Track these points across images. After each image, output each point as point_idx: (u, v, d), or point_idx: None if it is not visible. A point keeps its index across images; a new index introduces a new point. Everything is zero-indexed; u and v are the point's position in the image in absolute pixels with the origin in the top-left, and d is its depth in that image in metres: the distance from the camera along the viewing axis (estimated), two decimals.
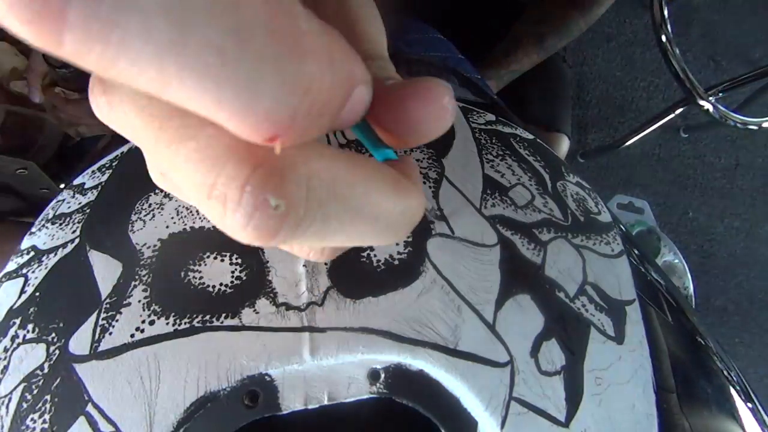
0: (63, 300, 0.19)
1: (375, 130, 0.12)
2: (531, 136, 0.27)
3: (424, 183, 0.21)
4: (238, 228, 0.08)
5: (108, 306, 0.18)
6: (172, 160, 0.09)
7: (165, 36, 0.06)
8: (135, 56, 0.06)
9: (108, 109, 0.10)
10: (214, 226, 0.20)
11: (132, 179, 0.23)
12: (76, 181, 0.25)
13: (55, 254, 0.21)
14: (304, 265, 0.18)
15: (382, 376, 0.17)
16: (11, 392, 0.17)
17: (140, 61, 0.07)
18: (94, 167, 0.25)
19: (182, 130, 0.08)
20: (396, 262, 0.18)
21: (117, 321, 0.18)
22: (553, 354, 0.18)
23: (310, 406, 0.16)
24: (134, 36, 0.06)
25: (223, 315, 0.17)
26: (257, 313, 0.17)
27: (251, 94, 0.07)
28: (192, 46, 0.07)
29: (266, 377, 0.16)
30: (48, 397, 0.17)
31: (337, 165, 0.09)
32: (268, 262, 0.19)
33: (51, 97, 0.52)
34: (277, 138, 0.08)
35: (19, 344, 0.18)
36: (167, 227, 0.20)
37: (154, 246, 0.20)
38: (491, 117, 0.27)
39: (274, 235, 0.08)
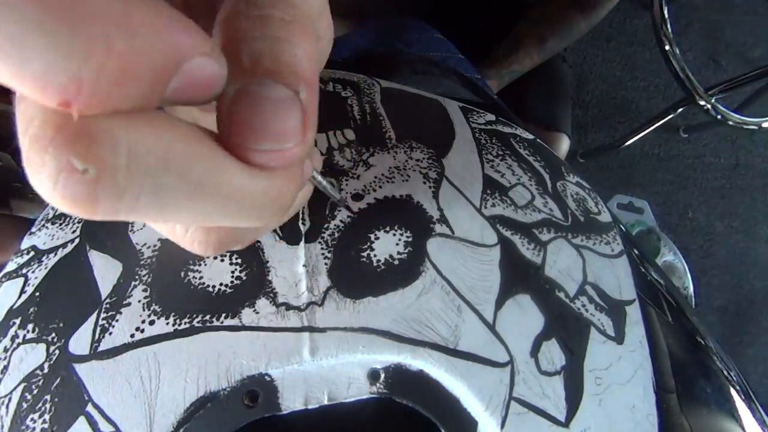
0: (63, 300, 0.19)
1: None
2: (531, 136, 0.27)
3: (424, 183, 0.21)
4: (48, 192, 0.08)
5: (108, 306, 0.18)
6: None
7: None
8: None
9: None
10: None
11: None
12: None
13: (55, 254, 0.21)
14: (304, 265, 0.18)
15: (382, 376, 0.17)
16: (11, 392, 0.17)
17: None
18: None
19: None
20: (396, 262, 0.18)
21: (117, 321, 0.18)
22: (553, 354, 0.18)
23: (310, 406, 0.16)
24: None
25: (223, 315, 0.17)
26: (257, 313, 0.17)
27: (20, 58, 0.07)
28: None
29: (266, 377, 0.16)
30: (48, 397, 0.17)
31: (175, 136, 0.09)
32: (268, 262, 0.19)
33: None
34: (70, 103, 0.08)
35: (19, 344, 0.18)
36: None
37: (154, 246, 0.20)
38: (491, 117, 0.27)
39: (93, 203, 0.08)
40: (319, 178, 0.16)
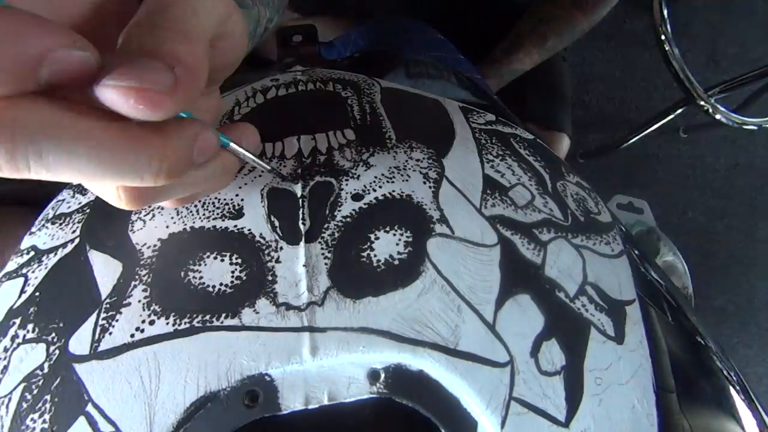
0: (63, 300, 0.19)
1: None
2: (531, 136, 0.27)
3: (424, 183, 0.21)
4: None
5: (108, 306, 0.18)
6: None
7: None
8: None
9: None
10: (213, 226, 0.20)
11: None
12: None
13: (55, 254, 0.21)
14: (304, 265, 0.18)
15: (382, 376, 0.17)
16: (11, 392, 0.17)
17: None
18: None
19: None
20: (396, 262, 0.18)
21: (117, 321, 0.18)
22: (553, 354, 0.18)
23: (310, 406, 0.16)
24: None
25: (223, 315, 0.17)
26: (257, 313, 0.17)
27: None
28: None
29: (266, 377, 0.16)
30: (48, 397, 0.17)
31: (50, 113, 0.11)
32: (268, 262, 0.19)
33: None
34: None
35: (19, 344, 0.18)
36: (167, 227, 0.20)
37: (154, 246, 0.20)
38: (491, 117, 0.27)
39: None
40: (240, 150, 0.18)
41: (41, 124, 0.11)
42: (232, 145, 0.18)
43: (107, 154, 0.12)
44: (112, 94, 0.12)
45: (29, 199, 0.55)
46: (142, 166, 0.13)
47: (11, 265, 0.22)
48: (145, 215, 0.21)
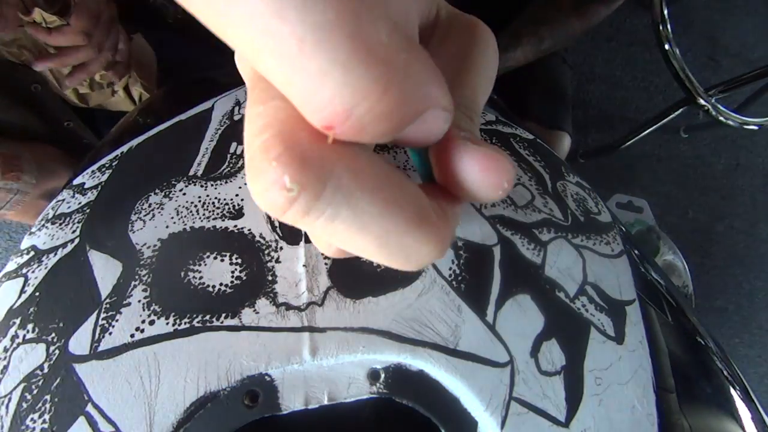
0: (63, 300, 0.19)
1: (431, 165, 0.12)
2: (531, 136, 0.27)
3: None
4: (257, 190, 0.09)
5: (108, 306, 0.18)
6: (249, 109, 0.10)
7: (260, 21, 0.08)
8: (238, 29, 0.08)
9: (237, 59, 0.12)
10: (213, 226, 0.20)
11: (132, 179, 0.23)
12: (76, 181, 0.25)
13: (55, 254, 0.21)
14: (304, 265, 0.18)
15: (382, 376, 0.17)
16: (11, 392, 0.17)
17: (238, 34, 0.08)
18: (94, 167, 0.25)
19: (262, 93, 0.10)
20: None
21: (117, 321, 0.18)
22: (553, 354, 0.18)
23: (310, 406, 0.16)
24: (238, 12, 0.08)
25: (223, 315, 0.17)
26: (257, 313, 0.17)
27: (316, 84, 0.08)
28: (277, 33, 0.08)
29: (266, 377, 0.16)
30: (48, 397, 0.17)
31: (365, 177, 0.09)
32: (268, 262, 0.19)
33: (31, 30, 0.43)
34: (332, 128, 0.09)
35: (19, 344, 0.18)
36: (167, 227, 0.20)
37: (154, 246, 0.20)
38: (491, 117, 0.27)
39: (282, 212, 0.09)
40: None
41: (354, 192, 0.09)
42: None
43: (395, 236, 0.10)
44: (487, 161, 0.11)
45: (62, 140, 0.56)
46: (416, 252, 0.11)
47: (11, 265, 0.22)
48: (145, 215, 0.21)
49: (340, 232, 0.10)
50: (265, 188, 0.09)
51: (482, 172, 0.11)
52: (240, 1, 0.08)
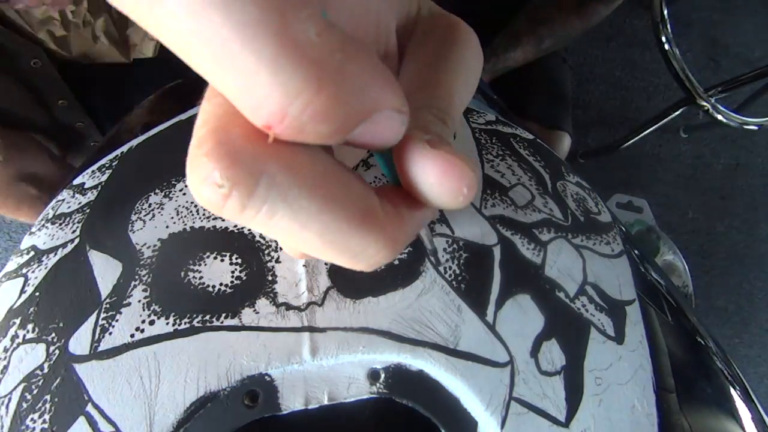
0: (63, 300, 0.19)
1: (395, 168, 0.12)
2: (531, 136, 0.27)
3: None
4: (193, 185, 0.09)
5: (108, 306, 0.18)
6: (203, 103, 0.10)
7: (184, 20, 0.08)
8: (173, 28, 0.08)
9: None
10: (213, 226, 0.20)
11: (132, 179, 0.23)
12: (76, 181, 0.25)
13: (55, 254, 0.21)
14: (304, 265, 0.18)
15: (382, 376, 0.17)
16: (11, 392, 0.17)
17: (166, 34, 0.08)
18: (94, 167, 0.25)
19: (210, 89, 0.10)
20: (396, 262, 0.18)
21: (117, 321, 0.18)
22: (553, 354, 0.18)
23: (310, 406, 0.16)
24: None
25: (223, 315, 0.17)
26: (257, 313, 0.17)
27: (248, 83, 0.08)
28: (202, 33, 0.08)
29: (266, 377, 0.16)
30: (48, 397, 0.17)
31: (304, 175, 0.09)
32: (268, 262, 0.19)
33: None
34: (271, 128, 0.09)
35: (19, 344, 0.18)
36: (167, 227, 0.20)
37: (154, 246, 0.20)
38: (491, 117, 0.27)
39: (219, 210, 0.09)
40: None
41: (291, 190, 0.09)
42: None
43: (337, 234, 0.10)
44: (443, 166, 0.11)
45: (41, 127, 0.55)
46: (362, 252, 0.11)
47: (11, 265, 0.22)
48: (145, 215, 0.21)
49: (283, 230, 0.10)
50: (199, 183, 0.09)
51: (439, 177, 0.11)
52: (163, 1, 0.08)
